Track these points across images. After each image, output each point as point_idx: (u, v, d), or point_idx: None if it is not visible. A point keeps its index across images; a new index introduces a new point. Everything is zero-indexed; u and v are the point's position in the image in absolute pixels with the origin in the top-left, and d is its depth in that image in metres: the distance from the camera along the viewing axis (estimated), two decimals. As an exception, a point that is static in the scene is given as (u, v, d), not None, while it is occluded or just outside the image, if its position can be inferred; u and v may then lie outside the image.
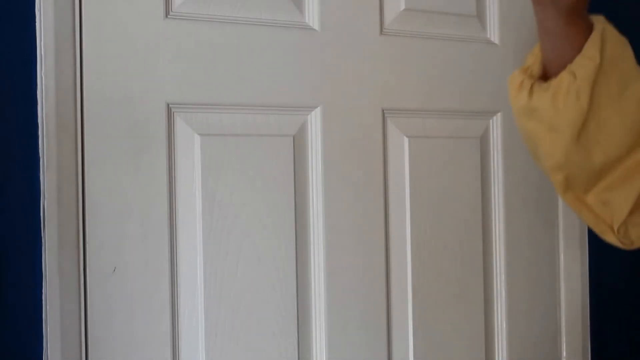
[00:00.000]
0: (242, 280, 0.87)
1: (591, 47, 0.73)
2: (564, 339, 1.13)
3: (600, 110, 0.72)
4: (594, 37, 0.73)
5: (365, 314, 0.94)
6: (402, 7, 0.99)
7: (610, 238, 0.76)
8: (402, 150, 0.98)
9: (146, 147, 0.82)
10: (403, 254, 0.98)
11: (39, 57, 0.77)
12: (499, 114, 1.06)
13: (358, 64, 0.95)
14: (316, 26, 0.92)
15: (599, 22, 0.75)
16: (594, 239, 1.01)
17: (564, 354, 1.12)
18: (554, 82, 0.73)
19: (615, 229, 0.75)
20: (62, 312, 0.77)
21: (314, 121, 0.92)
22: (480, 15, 1.06)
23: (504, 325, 1.06)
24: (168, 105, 0.83)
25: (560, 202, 1.11)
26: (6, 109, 0.76)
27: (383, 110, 0.96)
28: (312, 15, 0.93)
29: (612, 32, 0.75)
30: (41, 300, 0.77)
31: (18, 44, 0.77)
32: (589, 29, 0.74)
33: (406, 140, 0.98)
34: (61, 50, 0.77)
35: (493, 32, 1.07)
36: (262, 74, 0.89)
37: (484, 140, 1.06)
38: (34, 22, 0.77)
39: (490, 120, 1.06)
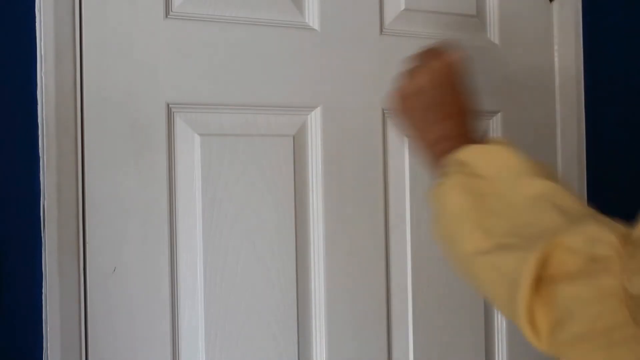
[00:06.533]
0: (242, 280, 0.87)
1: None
2: (564, 339, 1.12)
3: None
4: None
5: (365, 314, 0.94)
6: (402, 7, 0.99)
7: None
8: (401, 150, 0.98)
9: (146, 147, 0.82)
10: (403, 254, 0.98)
11: (39, 57, 0.77)
12: (499, 114, 1.06)
13: (358, 64, 0.95)
14: (316, 26, 0.93)
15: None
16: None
17: (564, 354, 1.12)
18: None
19: None
20: (62, 312, 0.77)
21: (314, 121, 0.92)
22: (480, 15, 1.06)
23: (504, 325, 1.06)
24: (168, 105, 0.83)
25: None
26: (6, 109, 0.76)
27: (383, 110, 0.96)
28: (312, 15, 0.93)
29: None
30: (41, 300, 0.77)
31: (18, 44, 0.77)
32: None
33: (406, 140, 0.98)
34: (61, 50, 0.77)
35: (493, 32, 1.07)
36: (262, 74, 0.89)
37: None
38: (34, 22, 0.77)
39: (491, 121, 1.06)
